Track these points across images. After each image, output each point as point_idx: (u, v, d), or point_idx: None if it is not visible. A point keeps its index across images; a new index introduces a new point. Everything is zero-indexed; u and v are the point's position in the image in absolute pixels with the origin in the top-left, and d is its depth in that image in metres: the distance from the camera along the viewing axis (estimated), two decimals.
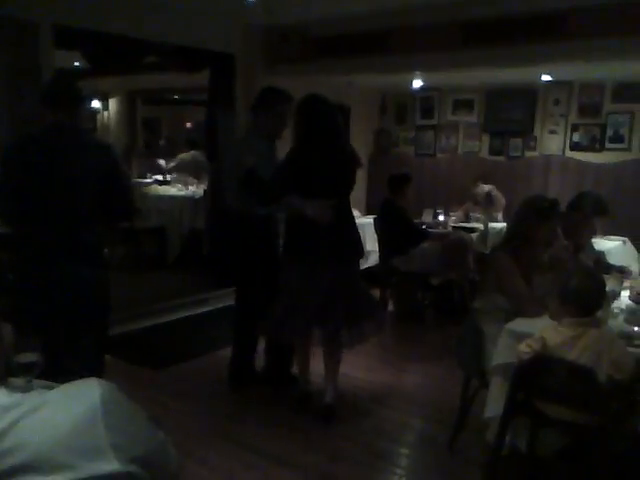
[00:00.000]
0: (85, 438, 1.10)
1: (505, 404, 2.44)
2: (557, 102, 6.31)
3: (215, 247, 5.91)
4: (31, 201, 2.90)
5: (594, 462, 2.37)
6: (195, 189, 7.05)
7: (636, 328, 2.55)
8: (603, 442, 2.31)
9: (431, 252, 5.08)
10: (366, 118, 7.41)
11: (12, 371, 1.43)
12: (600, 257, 3.67)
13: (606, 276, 2.74)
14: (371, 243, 5.91)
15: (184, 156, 7.83)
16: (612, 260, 3.79)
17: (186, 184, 7.28)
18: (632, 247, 5.13)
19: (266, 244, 3.60)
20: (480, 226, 5.63)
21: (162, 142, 10.02)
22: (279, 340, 3.50)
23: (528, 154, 6.58)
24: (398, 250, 5.12)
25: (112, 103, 9.17)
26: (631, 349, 2.34)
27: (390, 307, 5.48)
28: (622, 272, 3.36)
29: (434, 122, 7.19)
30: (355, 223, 3.48)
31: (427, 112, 7.21)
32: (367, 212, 6.81)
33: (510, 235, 3.08)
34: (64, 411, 1.14)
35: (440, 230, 5.67)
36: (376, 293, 5.47)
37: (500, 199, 5.97)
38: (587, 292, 2.38)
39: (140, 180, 7.82)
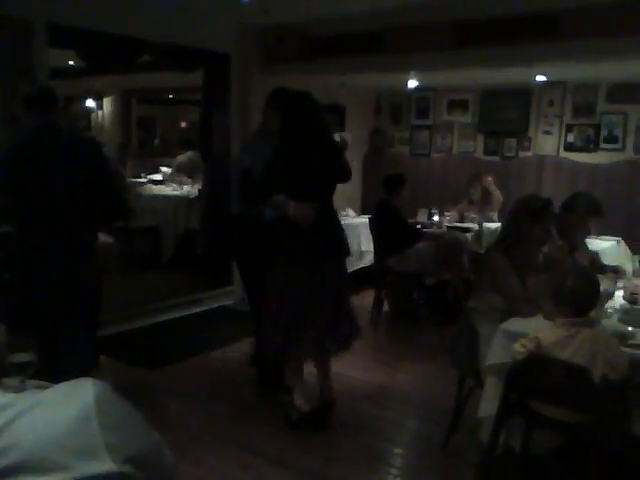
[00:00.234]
0: (79, 438, 1.10)
1: (499, 404, 2.44)
2: (551, 103, 6.32)
3: (209, 247, 5.90)
4: (25, 201, 2.93)
5: (588, 461, 2.38)
6: (190, 189, 7.04)
7: (630, 328, 2.56)
8: (597, 441, 2.32)
9: (426, 252, 5.09)
10: (361, 118, 7.41)
11: (6, 371, 1.43)
12: (594, 257, 3.68)
13: (600, 276, 2.75)
14: (366, 243, 5.92)
15: (181, 158, 7.81)
16: (606, 260, 3.80)
17: (180, 184, 7.26)
18: (626, 247, 5.14)
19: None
20: (475, 226, 5.64)
21: (156, 142, 10.00)
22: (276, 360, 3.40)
23: (522, 154, 6.59)
24: (393, 250, 5.12)
25: (106, 102, 9.15)
26: (625, 349, 2.35)
27: (385, 307, 5.49)
28: (616, 272, 3.37)
29: (429, 122, 7.19)
30: (339, 222, 3.41)
31: (422, 112, 7.22)
32: (362, 212, 6.80)
33: (504, 235, 3.09)
34: (58, 411, 1.13)
35: (435, 230, 5.68)
36: (371, 293, 5.49)
37: (497, 195, 5.96)
38: (581, 292, 2.38)
39: (134, 180, 7.79)
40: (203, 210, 6.07)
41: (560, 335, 2.33)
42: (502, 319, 2.72)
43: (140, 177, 8.00)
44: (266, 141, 3.46)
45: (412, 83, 6.14)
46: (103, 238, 3.28)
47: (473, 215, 5.94)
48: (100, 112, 9.24)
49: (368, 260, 5.99)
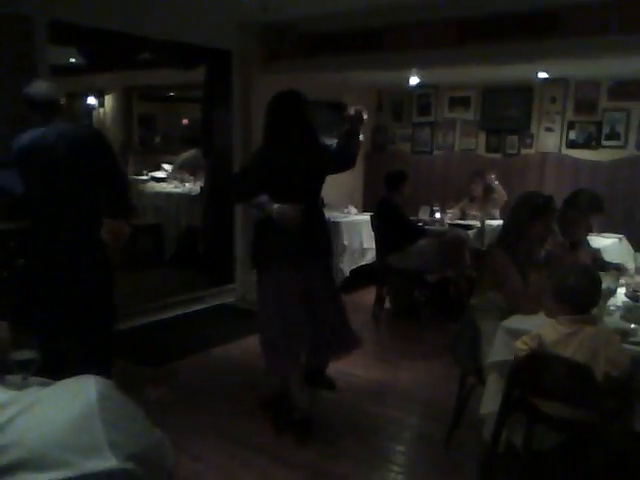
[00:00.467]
0: (82, 435, 1.10)
1: (501, 401, 2.44)
2: (553, 100, 6.31)
3: (211, 244, 5.90)
4: (39, 194, 3.00)
5: (590, 458, 2.38)
6: (192, 186, 7.03)
7: (632, 325, 2.56)
8: (599, 439, 2.32)
9: (428, 249, 5.08)
10: None
11: (8, 368, 1.43)
12: (596, 254, 3.68)
13: (602, 273, 2.74)
14: (368, 240, 5.91)
15: (186, 155, 7.79)
16: (608, 257, 3.79)
17: (182, 181, 7.25)
18: (628, 244, 5.13)
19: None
20: (477, 223, 5.63)
21: (158, 139, 9.99)
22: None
23: (524, 151, 6.58)
24: (395, 247, 5.12)
25: (108, 100, 9.14)
26: (627, 346, 2.35)
27: (387, 304, 5.49)
28: (618, 269, 3.36)
29: (431, 119, 7.18)
30: (326, 224, 3.38)
31: (424, 109, 7.21)
32: (364, 209, 6.80)
33: (505, 232, 3.09)
34: (60, 408, 1.13)
35: (437, 227, 5.66)
36: (373, 290, 5.48)
37: (501, 191, 5.93)
38: (583, 289, 2.38)
39: (136, 177, 7.79)
40: (205, 207, 6.06)
41: (562, 332, 2.33)
42: (504, 316, 2.72)
43: (142, 174, 7.99)
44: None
45: (413, 80, 6.12)
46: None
47: (475, 212, 5.93)
48: (101, 109, 9.23)
49: (370, 257, 5.99)
